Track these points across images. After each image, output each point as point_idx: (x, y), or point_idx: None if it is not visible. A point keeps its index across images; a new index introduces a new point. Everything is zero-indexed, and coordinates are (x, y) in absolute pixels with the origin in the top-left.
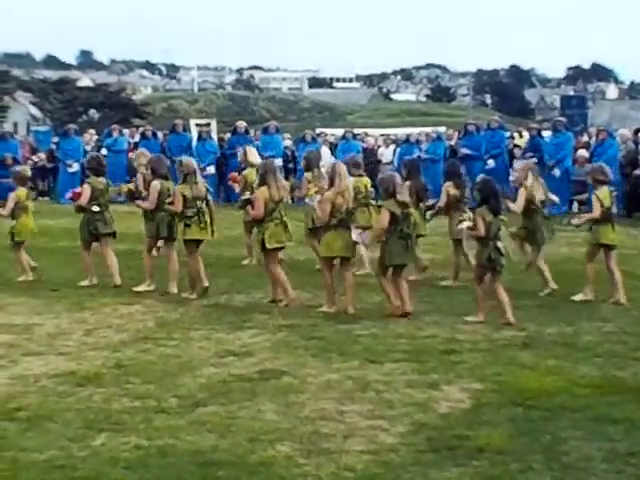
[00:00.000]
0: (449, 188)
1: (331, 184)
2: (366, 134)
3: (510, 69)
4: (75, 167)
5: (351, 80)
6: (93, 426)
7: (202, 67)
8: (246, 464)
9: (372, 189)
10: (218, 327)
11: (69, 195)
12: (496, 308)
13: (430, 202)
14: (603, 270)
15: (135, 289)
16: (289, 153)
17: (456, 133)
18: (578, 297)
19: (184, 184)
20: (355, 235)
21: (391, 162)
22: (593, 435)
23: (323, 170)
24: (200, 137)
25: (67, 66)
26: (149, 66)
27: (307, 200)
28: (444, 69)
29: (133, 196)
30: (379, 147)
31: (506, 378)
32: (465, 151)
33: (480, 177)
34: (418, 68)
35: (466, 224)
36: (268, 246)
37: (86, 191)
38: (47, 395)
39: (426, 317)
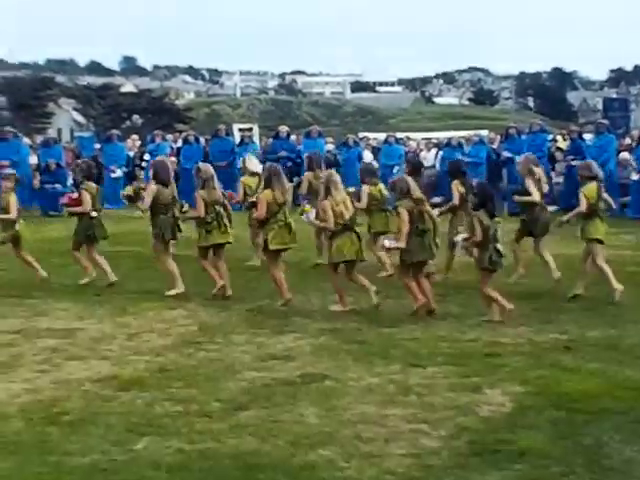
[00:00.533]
0: (457, 186)
1: (327, 193)
2: (408, 138)
3: (552, 72)
4: (118, 172)
5: (393, 84)
6: (135, 430)
7: (245, 72)
8: (288, 468)
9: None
10: (260, 331)
11: (65, 200)
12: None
13: (436, 200)
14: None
15: (167, 293)
16: (331, 157)
17: (498, 136)
18: (572, 293)
19: (203, 189)
20: (387, 242)
21: (433, 165)
22: (635, 438)
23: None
24: (242, 142)
25: (110, 72)
26: (192, 71)
27: (303, 217)
28: (486, 72)
29: (132, 199)
30: (421, 151)
31: (548, 381)
32: (507, 154)
33: (476, 181)
34: (460, 71)
35: (461, 236)
36: (270, 247)
37: (86, 197)
38: (90, 399)
39: (468, 320)
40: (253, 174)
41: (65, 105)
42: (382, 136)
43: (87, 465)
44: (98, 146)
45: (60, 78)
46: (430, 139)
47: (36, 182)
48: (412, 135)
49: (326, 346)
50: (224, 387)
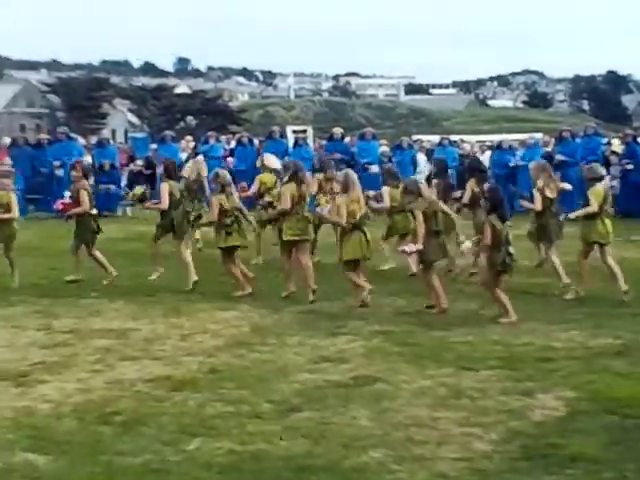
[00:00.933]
0: (472, 185)
1: (345, 191)
2: (462, 140)
3: (607, 75)
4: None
5: (447, 86)
6: (187, 431)
7: (299, 74)
8: (339, 470)
9: None
10: (313, 333)
11: (59, 206)
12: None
13: (457, 194)
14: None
15: (235, 294)
16: (385, 159)
17: (553, 139)
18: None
19: (221, 194)
20: (407, 248)
21: (488, 168)
22: None
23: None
24: (296, 143)
25: (165, 73)
26: (246, 73)
27: (317, 209)
28: (541, 75)
29: (142, 200)
30: (475, 153)
31: (601, 386)
32: (561, 157)
33: (487, 186)
34: (515, 74)
35: (466, 245)
36: (284, 237)
37: (85, 197)
38: (142, 400)
39: (522, 324)
40: (271, 171)
41: (119, 106)
42: (436, 138)
43: (139, 465)
44: (154, 146)
45: (115, 79)
46: (484, 142)
47: (90, 182)
48: (466, 138)
49: (379, 348)
50: (276, 389)
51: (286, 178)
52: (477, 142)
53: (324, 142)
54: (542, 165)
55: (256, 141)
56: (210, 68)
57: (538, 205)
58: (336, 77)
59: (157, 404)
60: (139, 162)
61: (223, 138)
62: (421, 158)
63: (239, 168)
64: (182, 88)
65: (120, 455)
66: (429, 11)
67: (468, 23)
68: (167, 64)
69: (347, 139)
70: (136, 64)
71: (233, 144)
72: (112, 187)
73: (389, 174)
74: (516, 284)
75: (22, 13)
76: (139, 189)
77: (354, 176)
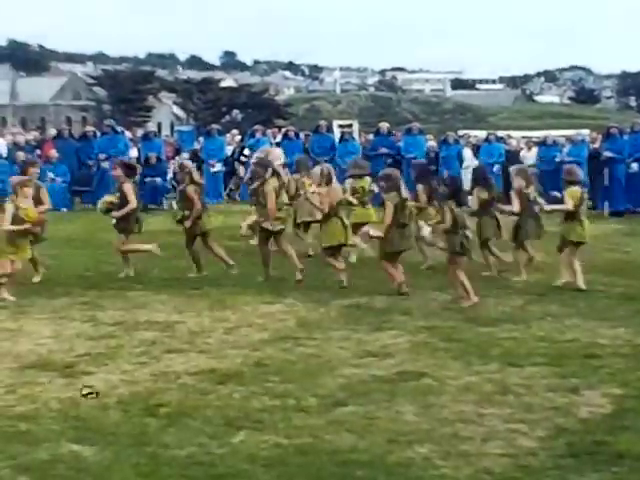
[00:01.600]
0: (479, 193)
1: (327, 183)
2: (509, 136)
3: None
4: (218, 167)
5: (494, 82)
6: (233, 424)
7: (345, 68)
8: (384, 465)
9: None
10: (358, 328)
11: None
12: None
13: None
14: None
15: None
16: (432, 154)
17: (600, 136)
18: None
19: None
20: (372, 231)
21: (534, 164)
22: None
23: None
24: (342, 138)
25: (211, 67)
26: (292, 67)
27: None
28: (588, 71)
29: (108, 211)
30: (521, 149)
31: None
32: (608, 154)
33: (447, 174)
34: (562, 70)
35: (426, 229)
36: (324, 244)
37: (131, 194)
38: (188, 392)
39: (567, 320)
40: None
41: (165, 99)
42: (483, 134)
43: (184, 457)
44: (201, 139)
45: (160, 72)
46: (531, 138)
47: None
48: (513, 133)
49: (424, 344)
50: (321, 383)
51: (268, 175)
52: (523, 138)
53: (371, 136)
54: (519, 169)
55: (302, 135)
56: (256, 62)
57: (515, 207)
58: (382, 72)
59: (202, 397)
60: (185, 155)
61: (269, 132)
62: (467, 153)
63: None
64: (228, 82)
65: (165, 447)
66: (477, 6)
67: (516, 18)
68: (213, 57)
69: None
70: (182, 57)
71: (279, 138)
72: (158, 180)
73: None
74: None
75: (69, 6)
76: (107, 198)
77: (331, 169)
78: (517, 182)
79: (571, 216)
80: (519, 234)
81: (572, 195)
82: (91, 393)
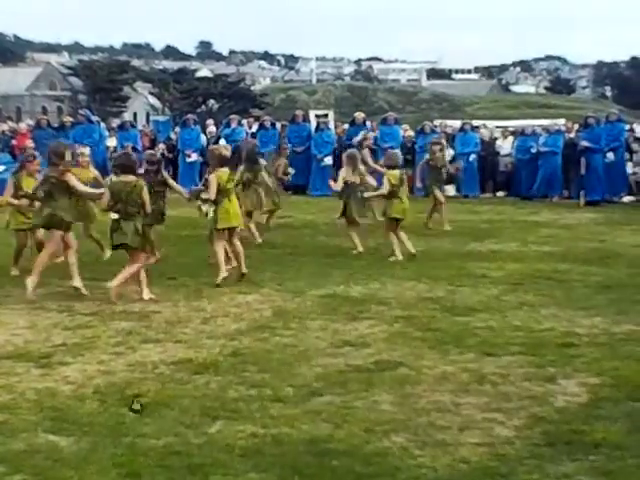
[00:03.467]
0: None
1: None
2: (484, 126)
3: (631, 61)
4: (194, 157)
5: (470, 71)
6: (209, 413)
7: (320, 58)
8: (361, 454)
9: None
10: (335, 317)
11: None
12: None
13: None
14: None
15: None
16: (409, 144)
17: (576, 125)
18: (393, 259)
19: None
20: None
21: (509, 154)
22: None
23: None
24: (318, 128)
25: (186, 57)
26: (268, 57)
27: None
28: (564, 61)
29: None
30: (497, 139)
31: (624, 373)
32: (585, 144)
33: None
34: (537, 60)
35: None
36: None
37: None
38: (164, 382)
39: (543, 310)
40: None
41: (141, 89)
42: (458, 123)
43: (161, 447)
44: (177, 130)
45: (136, 62)
46: (507, 127)
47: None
48: (488, 123)
49: (401, 333)
50: (298, 372)
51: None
52: (498, 127)
53: (346, 126)
54: (348, 155)
55: (278, 125)
56: (232, 52)
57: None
58: (358, 62)
59: (179, 387)
60: (161, 146)
61: (245, 122)
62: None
63: (262, 151)
64: (204, 72)
65: (142, 437)
66: None
67: (491, 8)
68: (189, 47)
69: (368, 124)
70: (158, 47)
71: (255, 128)
72: None
73: (389, 159)
74: (539, 270)
75: None
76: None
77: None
78: (344, 168)
79: (390, 195)
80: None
81: (391, 177)
82: (137, 410)
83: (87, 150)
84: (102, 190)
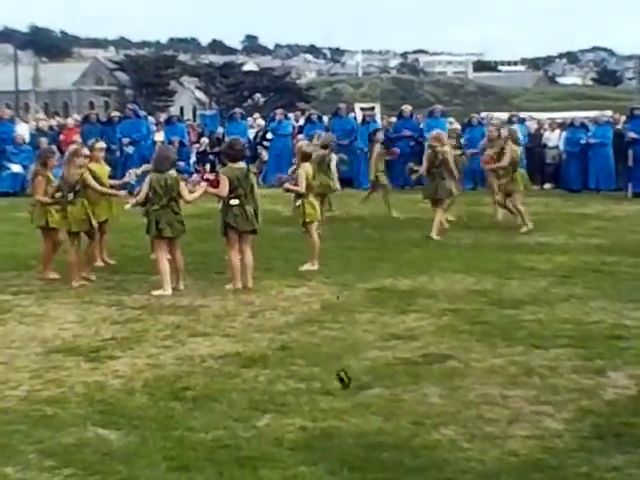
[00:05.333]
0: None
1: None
2: (531, 117)
3: None
4: None
5: (516, 63)
6: (258, 407)
7: (366, 51)
8: (410, 447)
9: None
10: (383, 310)
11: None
12: None
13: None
14: None
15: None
16: (455, 136)
17: (622, 117)
18: (305, 267)
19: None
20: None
21: (557, 146)
22: None
23: None
24: (364, 121)
25: (232, 51)
26: (314, 50)
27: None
28: (610, 52)
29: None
30: (545, 131)
31: None
32: (632, 135)
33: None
34: (584, 51)
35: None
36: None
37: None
38: (213, 376)
39: (592, 302)
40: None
41: (187, 83)
42: (505, 115)
43: (210, 441)
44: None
45: (183, 57)
46: (554, 119)
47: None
48: (535, 115)
49: (449, 326)
50: (346, 366)
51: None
52: (547, 119)
53: (393, 119)
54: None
55: (325, 118)
56: (278, 45)
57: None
58: (404, 54)
59: (227, 380)
60: (205, 140)
61: (291, 115)
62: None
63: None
64: (250, 66)
65: (191, 431)
66: None
67: (537, 0)
68: (235, 42)
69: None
70: (204, 42)
71: (302, 121)
72: (181, 164)
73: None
74: (587, 262)
75: None
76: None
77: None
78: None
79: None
80: None
81: (307, 172)
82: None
83: (103, 144)
84: (121, 193)
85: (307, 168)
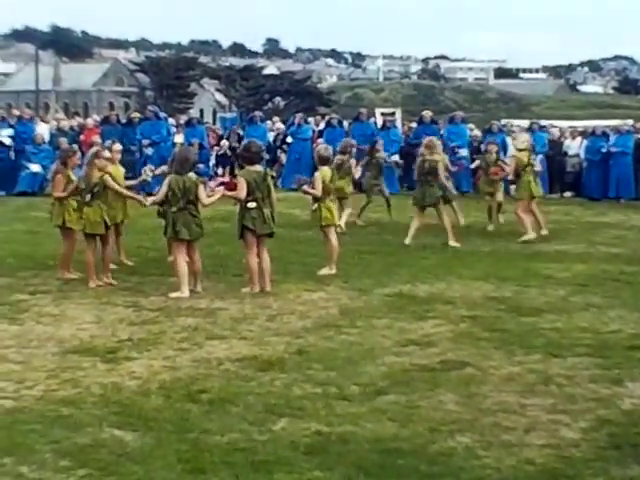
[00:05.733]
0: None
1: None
2: (552, 125)
3: None
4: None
5: (537, 71)
6: (274, 411)
7: (388, 56)
8: (426, 454)
9: None
10: (400, 316)
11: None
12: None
13: None
14: None
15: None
16: (475, 143)
17: None
18: (323, 271)
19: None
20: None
21: (577, 154)
22: None
23: None
24: (384, 126)
25: (253, 54)
26: (335, 55)
27: None
28: (632, 60)
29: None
30: (565, 139)
31: None
32: None
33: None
34: (605, 59)
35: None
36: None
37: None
38: (230, 379)
39: (610, 311)
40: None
41: (207, 86)
42: (525, 123)
43: (226, 444)
44: (235, 128)
45: (203, 59)
46: (575, 127)
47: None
48: (557, 123)
49: (467, 333)
50: (363, 371)
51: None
52: (569, 127)
53: (413, 125)
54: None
55: (346, 123)
56: (299, 49)
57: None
58: (425, 60)
59: (244, 383)
60: (225, 143)
61: (311, 120)
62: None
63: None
64: (270, 69)
65: (207, 433)
66: None
67: (560, 7)
68: (256, 45)
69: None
70: (225, 44)
71: (322, 125)
72: (201, 167)
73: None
74: (605, 271)
75: None
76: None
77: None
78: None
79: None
80: None
81: (324, 176)
82: None
83: (119, 146)
84: (139, 197)
85: (325, 172)
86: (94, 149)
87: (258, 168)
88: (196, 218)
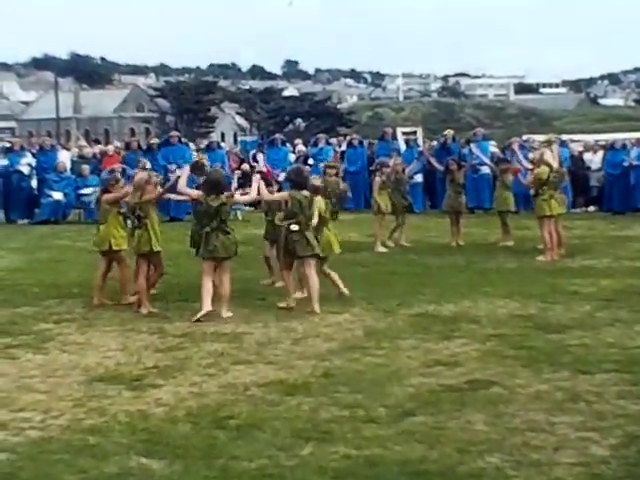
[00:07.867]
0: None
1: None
2: (572, 140)
3: None
4: (281, 177)
5: (557, 85)
6: (301, 435)
7: (407, 74)
8: (455, 475)
9: None
10: (426, 336)
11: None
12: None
13: None
14: None
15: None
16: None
17: None
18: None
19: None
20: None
21: (600, 168)
22: None
23: None
24: (408, 145)
25: (273, 76)
26: (354, 75)
27: None
28: None
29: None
30: (586, 153)
31: None
32: None
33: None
34: (626, 72)
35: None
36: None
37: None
38: (256, 404)
39: (637, 326)
40: None
41: (228, 109)
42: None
43: (254, 470)
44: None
45: (223, 82)
46: (597, 141)
47: None
48: (579, 137)
49: (493, 352)
50: (390, 392)
51: None
52: (595, 141)
53: (434, 143)
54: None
55: (366, 143)
56: (318, 70)
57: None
58: (445, 77)
59: (271, 408)
60: (245, 166)
61: (333, 140)
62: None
63: (350, 170)
64: (290, 91)
65: (235, 459)
66: (539, 9)
67: (578, 21)
68: (275, 67)
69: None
70: (244, 67)
71: (344, 146)
72: None
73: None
74: (632, 285)
75: (130, 18)
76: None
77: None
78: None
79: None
80: None
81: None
82: None
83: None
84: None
85: (319, 202)
86: (145, 175)
87: (306, 193)
88: (229, 235)
